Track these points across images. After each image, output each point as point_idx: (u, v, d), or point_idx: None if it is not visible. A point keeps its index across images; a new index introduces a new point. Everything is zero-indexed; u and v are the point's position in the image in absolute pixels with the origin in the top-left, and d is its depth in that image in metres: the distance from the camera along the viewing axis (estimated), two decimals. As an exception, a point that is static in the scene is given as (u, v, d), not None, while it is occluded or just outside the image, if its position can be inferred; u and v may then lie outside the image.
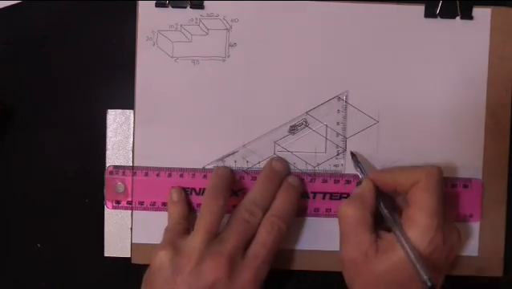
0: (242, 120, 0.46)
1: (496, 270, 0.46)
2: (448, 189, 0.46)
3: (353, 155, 0.46)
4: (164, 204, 0.46)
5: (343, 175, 0.46)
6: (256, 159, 0.46)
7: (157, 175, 0.46)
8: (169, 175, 0.46)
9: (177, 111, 0.46)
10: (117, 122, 0.46)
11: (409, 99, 0.46)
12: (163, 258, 0.42)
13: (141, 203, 0.46)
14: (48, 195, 0.47)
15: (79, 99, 0.47)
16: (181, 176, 0.46)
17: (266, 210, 0.43)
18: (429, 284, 0.39)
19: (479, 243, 0.46)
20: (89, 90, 0.47)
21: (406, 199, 0.43)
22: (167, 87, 0.46)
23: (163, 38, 0.46)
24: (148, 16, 0.46)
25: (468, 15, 0.46)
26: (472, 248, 0.46)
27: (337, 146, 0.46)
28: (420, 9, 0.46)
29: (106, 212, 0.46)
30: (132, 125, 0.46)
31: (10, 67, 0.47)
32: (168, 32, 0.46)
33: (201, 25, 0.46)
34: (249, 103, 0.46)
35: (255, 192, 0.44)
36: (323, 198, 0.46)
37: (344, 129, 0.46)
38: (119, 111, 0.46)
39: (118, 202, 0.46)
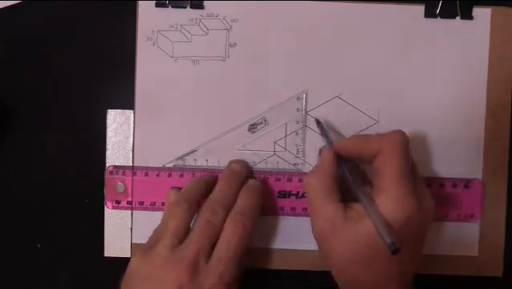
0: (242, 120, 0.46)
1: (496, 270, 0.46)
2: (448, 189, 0.46)
3: (318, 122, 0.45)
4: (164, 204, 0.46)
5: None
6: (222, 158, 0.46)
7: (157, 175, 0.46)
8: (169, 175, 0.46)
9: (177, 111, 0.46)
10: (117, 122, 0.46)
11: (409, 99, 0.46)
12: (133, 264, 0.42)
13: (141, 203, 0.46)
14: (48, 195, 0.47)
15: (79, 99, 0.47)
16: (181, 176, 0.46)
17: (228, 210, 0.42)
18: (393, 248, 0.37)
19: (479, 243, 0.46)
20: (89, 90, 0.47)
21: (373, 168, 0.41)
22: (167, 87, 0.46)
23: (163, 38, 0.46)
24: (148, 16, 0.46)
25: (468, 15, 0.46)
26: (472, 248, 0.46)
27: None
28: (420, 9, 0.46)
29: (106, 212, 0.46)
30: (132, 125, 0.46)
31: (10, 67, 0.47)
32: (168, 32, 0.46)
33: (201, 25, 0.46)
34: (249, 103, 0.46)
35: (216, 192, 0.43)
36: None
37: (344, 129, 0.46)
38: (119, 111, 0.46)
39: (118, 202, 0.46)
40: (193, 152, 0.46)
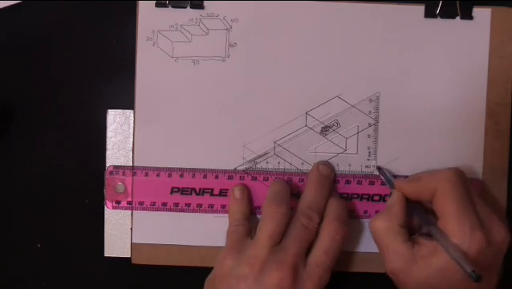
0: (242, 120, 0.46)
1: (496, 270, 0.46)
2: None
3: (380, 169, 0.45)
4: (164, 204, 0.46)
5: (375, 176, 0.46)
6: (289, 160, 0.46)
7: (157, 175, 0.46)
8: (169, 175, 0.46)
9: (177, 111, 0.46)
10: (117, 122, 0.46)
11: (409, 99, 0.46)
12: (227, 265, 0.41)
13: (141, 203, 0.46)
14: (48, 195, 0.47)
15: (79, 99, 0.47)
16: (181, 176, 0.46)
17: (321, 214, 0.43)
18: (474, 276, 0.37)
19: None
20: (89, 90, 0.47)
21: (434, 210, 0.42)
22: (167, 87, 0.46)
23: (163, 38, 0.46)
24: (148, 16, 0.46)
25: (468, 15, 0.46)
26: (472, 248, 0.46)
27: (337, 145, 0.46)
28: (420, 9, 0.46)
29: (106, 212, 0.46)
30: (131, 125, 0.46)
31: (10, 67, 0.47)
32: (168, 32, 0.46)
33: (201, 25, 0.46)
34: (249, 103, 0.46)
35: (309, 197, 0.44)
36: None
37: (344, 129, 0.46)
38: (119, 111, 0.46)
39: (118, 202, 0.46)
40: (265, 154, 0.46)
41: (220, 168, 0.46)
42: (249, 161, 0.46)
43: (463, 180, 0.41)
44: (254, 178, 0.46)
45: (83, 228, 0.47)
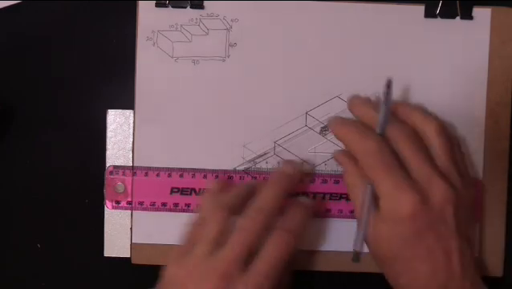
0: (242, 120, 0.46)
1: (496, 270, 0.46)
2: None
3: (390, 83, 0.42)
4: (164, 204, 0.46)
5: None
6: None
7: (157, 175, 0.46)
8: (169, 175, 0.46)
9: (177, 111, 0.46)
10: (117, 122, 0.46)
11: (409, 98, 0.46)
12: (168, 271, 0.40)
13: (141, 203, 0.46)
14: (48, 195, 0.47)
15: (79, 99, 0.47)
16: (181, 176, 0.46)
17: (270, 216, 0.40)
18: (353, 254, 0.39)
19: (479, 243, 0.46)
20: (89, 90, 0.47)
21: None
22: (167, 87, 0.46)
23: (163, 38, 0.46)
24: (148, 16, 0.46)
25: (468, 15, 0.46)
26: (472, 248, 0.46)
27: (337, 145, 0.46)
28: (420, 9, 0.46)
29: (106, 212, 0.46)
30: (132, 125, 0.46)
31: (10, 67, 0.47)
32: (168, 32, 0.46)
33: (201, 25, 0.46)
34: (249, 103, 0.46)
35: (259, 196, 0.41)
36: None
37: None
38: (119, 111, 0.46)
39: (118, 202, 0.46)
40: (264, 154, 0.46)
41: (220, 168, 0.46)
42: (249, 161, 0.46)
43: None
44: (254, 178, 0.46)
45: (83, 228, 0.47)
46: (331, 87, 0.46)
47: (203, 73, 0.46)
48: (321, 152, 0.46)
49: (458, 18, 0.46)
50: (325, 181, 0.46)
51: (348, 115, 0.44)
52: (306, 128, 0.46)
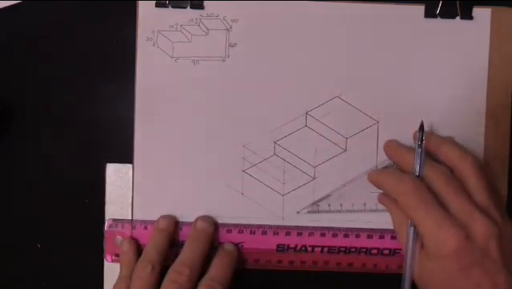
0: (242, 120, 0.46)
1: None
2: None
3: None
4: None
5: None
6: (349, 203, 0.46)
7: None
8: None
9: (177, 111, 0.46)
10: (116, 176, 0.46)
11: (409, 99, 0.46)
12: None
13: None
14: (48, 195, 0.47)
15: (79, 99, 0.47)
16: (180, 229, 0.46)
17: (195, 270, 0.43)
18: None
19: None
20: (89, 90, 0.47)
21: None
22: (167, 87, 0.46)
23: (163, 38, 0.46)
24: (148, 16, 0.46)
25: (468, 15, 0.46)
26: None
27: (337, 145, 0.46)
28: (420, 9, 0.46)
29: (105, 265, 0.46)
30: (130, 179, 0.46)
31: (10, 67, 0.47)
32: (168, 32, 0.46)
33: (201, 25, 0.46)
34: (249, 103, 0.46)
35: (182, 254, 0.44)
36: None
37: (344, 129, 0.46)
38: (119, 165, 0.46)
39: (117, 255, 0.46)
40: (327, 196, 0.46)
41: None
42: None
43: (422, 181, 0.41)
44: (253, 232, 0.46)
45: (83, 228, 0.47)
46: (331, 87, 0.46)
47: (203, 73, 0.46)
48: (321, 152, 0.46)
49: (458, 18, 0.46)
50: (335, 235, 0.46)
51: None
52: (306, 128, 0.46)
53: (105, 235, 0.46)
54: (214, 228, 0.45)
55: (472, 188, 0.41)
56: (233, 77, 0.46)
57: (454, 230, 0.39)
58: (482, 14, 0.46)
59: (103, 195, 0.46)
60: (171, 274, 0.43)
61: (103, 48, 0.47)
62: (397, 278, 0.44)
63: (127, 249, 0.45)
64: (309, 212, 0.46)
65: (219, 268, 0.44)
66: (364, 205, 0.46)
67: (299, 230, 0.46)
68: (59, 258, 0.47)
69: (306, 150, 0.46)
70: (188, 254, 0.44)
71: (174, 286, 0.42)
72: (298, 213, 0.46)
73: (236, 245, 0.46)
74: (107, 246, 0.46)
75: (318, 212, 0.46)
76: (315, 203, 0.46)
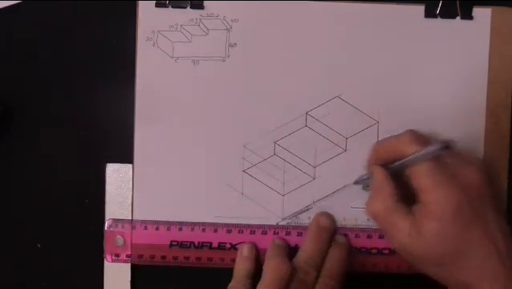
0: (242, 120, 0.46)
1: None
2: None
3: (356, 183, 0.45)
4: (163, 257, 0.46)
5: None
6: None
7: (156, 228, 0.46)
8: (168, 228, 0.46)
9: (177, 111, 0.46)
10: (116, 176, 0.46)
11: (409, 99, 0.46)
12: None
13: (140, 256, 0.46)
14: (48, 195, 0.47)
15: (79, 99, 0.47)
16: (180, 229, 0.46)
17: (318, 268, 0.43)
18: (442, 145, 0.39)
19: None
20: (89, 90, 0.47)
21: None
22: (167, 87, 0.46)
23: (163, 39, 0.46)
24: (148, 16, 0.46)
25: (468, 15, 0.46)
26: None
27: (337, 145, 0.46)
28: (420, 9, 0.46)
29: (105, 265, 0.46)
30: (131, 179, 0.46)
31: (9, 67, 0.47)
32: (168, 32, 0.46)
33: (201, 25, 0.46)
34: (249, 103, 0.46)
35: (307, 251, 0.44)
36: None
37: (344, 129, 0.46)
38: (119, 165, 0.46)
39: (117, 255, 0.46)
40: (307, 209, 0.46)
41: (219, 168, 0.46)
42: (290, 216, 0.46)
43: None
44: (253, 232, 0.46)
45: (83, 228, 0.47)
46: (331, 87, 0.46)
47: (203, 73, 0.46)
48: (321, 152, 0.46)
49: (458, 18, 0.46)
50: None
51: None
52: (306, 128, 0.46)
53: (105, 235, 0.46)
54: (335, 226, 0.46)
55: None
56: (233, 77, 0.46)
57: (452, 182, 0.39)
58: (482, 14, 0.46)
59: (103, 195, 0.46)
60: (299, 274, 0.43)
61: (103, 48, 0.47)
62: (397, 278, 0.44)
63: (247, 254, 0.45)
64: (309, 212, 0.46)
65: (335, 264, 0.44)
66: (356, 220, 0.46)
67: (299, 230, 0.46)
68: (59, 258, 0.47)
69: (307, 150, 0.46)
70: (312, 253, 0.44)
71: (303, 287, 0.42)
72: (298, 213, 0.46)
73: (345, 235, 0.46)
74: (107, 246, 0.46)
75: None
76: (315, 203, 0.46)
